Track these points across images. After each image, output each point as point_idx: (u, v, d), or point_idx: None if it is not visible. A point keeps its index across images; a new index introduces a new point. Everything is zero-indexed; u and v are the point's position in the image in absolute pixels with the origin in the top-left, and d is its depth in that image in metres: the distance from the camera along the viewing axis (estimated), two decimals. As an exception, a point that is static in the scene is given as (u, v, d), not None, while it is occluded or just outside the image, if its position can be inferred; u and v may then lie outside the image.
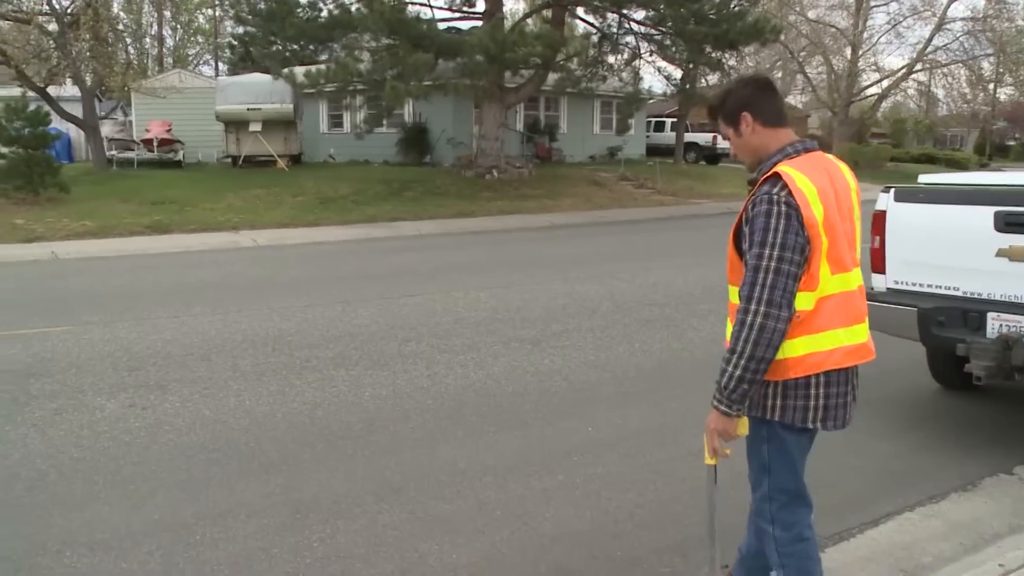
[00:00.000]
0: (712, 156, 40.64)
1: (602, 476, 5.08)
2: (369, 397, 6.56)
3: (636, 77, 28.16)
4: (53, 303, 10.14)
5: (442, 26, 23.34)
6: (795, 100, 58.25)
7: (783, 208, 2.82)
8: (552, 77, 25.70)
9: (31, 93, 22.45)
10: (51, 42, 23.38)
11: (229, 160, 28.20)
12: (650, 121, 40.86)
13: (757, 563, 3.37)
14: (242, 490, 4.86)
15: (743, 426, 3.01)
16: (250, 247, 15.86)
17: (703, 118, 43.90)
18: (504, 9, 24.67)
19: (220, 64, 50.37)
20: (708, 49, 24.21)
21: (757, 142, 3.07)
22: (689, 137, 39.11)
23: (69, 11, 23.41)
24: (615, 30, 26.22)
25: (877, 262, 6.09)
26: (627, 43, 26.74)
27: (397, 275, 12.29)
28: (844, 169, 3.09)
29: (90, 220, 17.49)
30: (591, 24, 26.60)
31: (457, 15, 24.86)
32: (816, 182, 2.89)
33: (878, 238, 6.07)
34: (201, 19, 52.75)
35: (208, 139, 29.75)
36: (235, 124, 27.16)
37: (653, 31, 25.33)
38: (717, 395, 2.93)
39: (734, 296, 3.04)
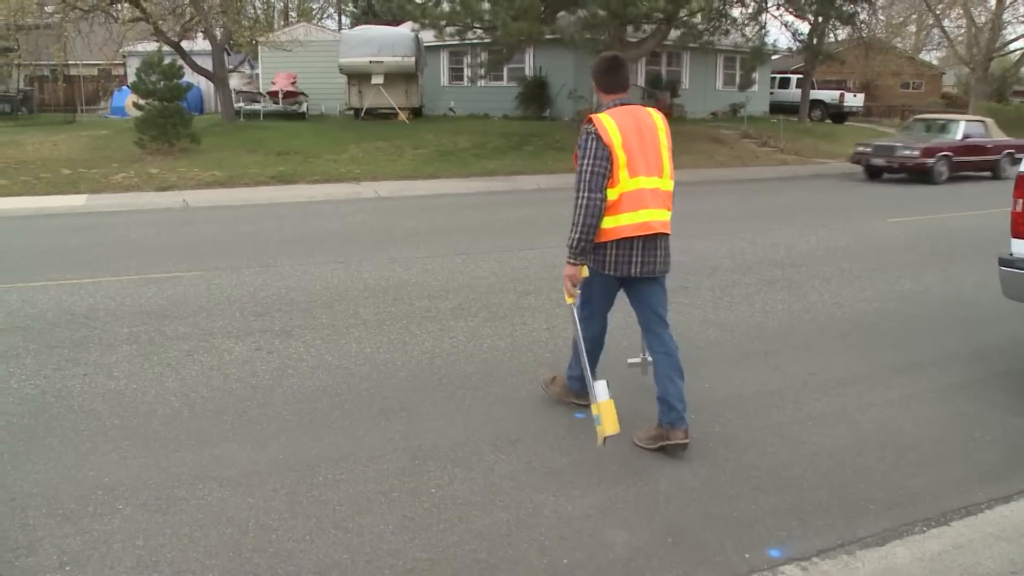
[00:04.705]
0: (838, 114, 39.22)
1: (719, 435, 5.01)
2: (488, 348, 6.61)
3: (761, 31, 27.36)
4: (185, 249, 10.53)
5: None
6: (929, 57, 55.42)
7: (591, 137, 4.48)
8: (674, 32, 25.14)
9: (166, 48, 23.20)
10: (185, -2, 24.09)
11: (351, 112, 28.62)
12: (774, 77, 39.63)
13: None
14: (363, 435, 4.97)
15: (584, 272, 4.62)
16: (371, 198, 16.12)
17: (830, 74, 42.41)
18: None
19: (343, 17, 51.16)
20: (839, 1, 23.30)
21: (601, 101, 4.75)
22: (815, 94, 37.69)
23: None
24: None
25: (1018, 226, 5.74)
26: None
27: (516, 228, 12.32)
28: (655, 115, 4.68)
29: (219, 170, 18.06)
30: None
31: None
32: (617, 120, 4.52)
33: (1020, 201, 5.73)
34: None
35: (331, 91, 30.24)
36: (358, 77, 27.50)
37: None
38: (568, 253, 4.57)
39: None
